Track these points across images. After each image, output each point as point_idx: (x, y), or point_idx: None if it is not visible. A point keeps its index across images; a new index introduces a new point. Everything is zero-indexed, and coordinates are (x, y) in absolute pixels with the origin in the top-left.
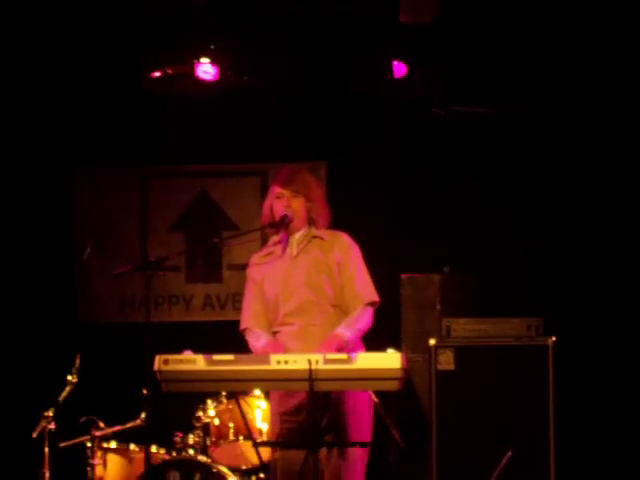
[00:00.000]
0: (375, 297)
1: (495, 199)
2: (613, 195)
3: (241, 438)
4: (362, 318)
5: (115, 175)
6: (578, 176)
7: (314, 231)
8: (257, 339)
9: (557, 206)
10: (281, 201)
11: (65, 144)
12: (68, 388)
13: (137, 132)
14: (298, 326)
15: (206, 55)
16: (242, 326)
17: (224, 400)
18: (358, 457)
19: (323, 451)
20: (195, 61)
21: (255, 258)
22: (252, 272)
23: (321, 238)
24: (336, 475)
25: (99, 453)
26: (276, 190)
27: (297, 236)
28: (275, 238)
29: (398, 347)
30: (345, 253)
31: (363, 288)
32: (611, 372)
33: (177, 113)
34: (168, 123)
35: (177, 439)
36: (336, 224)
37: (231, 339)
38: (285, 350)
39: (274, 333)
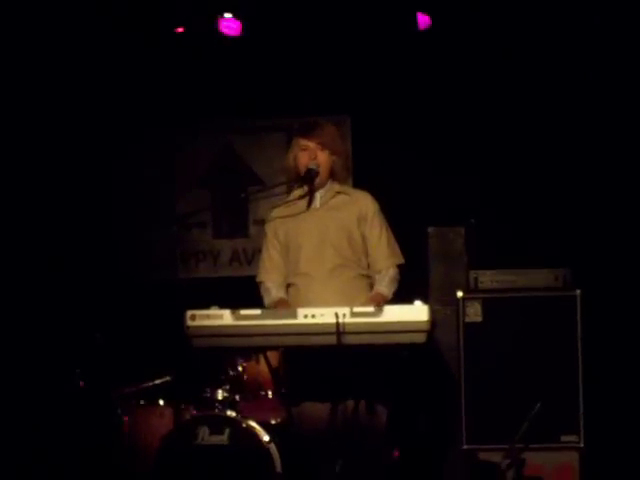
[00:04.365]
0: (402, 259)
1: (522, 149)
2: None
3: (269, 392)
4: (396, 280)
5: (147, 132)
6: (608, 126)
7: (337, 186)
8: (268, 295)
9: (585, 155)
10: (307, 153)
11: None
12: (96, 346)
13: (165, 89)
14: (317, 279)
15: (229, 10)
16: (258, 278)
17: (252, 355)
18: (381, 411)
19: (349, 404)
20: (218, 16)
21: (276, 212)
22: (274, 225)
23: (345, 194)
24: (360, 428)
25: (129, 410)
26: (302, 142)
27: (321, 190)
28: (297, 192)
29: (425, 299)
30: (371, 214)
31: (393, 250)
32: None
33: (202, 68)
34: (195, 79)
35: (206, 395)
36: (361, 178)
37: (258, 294)
38: (304, 302)
39: (291, 285)
